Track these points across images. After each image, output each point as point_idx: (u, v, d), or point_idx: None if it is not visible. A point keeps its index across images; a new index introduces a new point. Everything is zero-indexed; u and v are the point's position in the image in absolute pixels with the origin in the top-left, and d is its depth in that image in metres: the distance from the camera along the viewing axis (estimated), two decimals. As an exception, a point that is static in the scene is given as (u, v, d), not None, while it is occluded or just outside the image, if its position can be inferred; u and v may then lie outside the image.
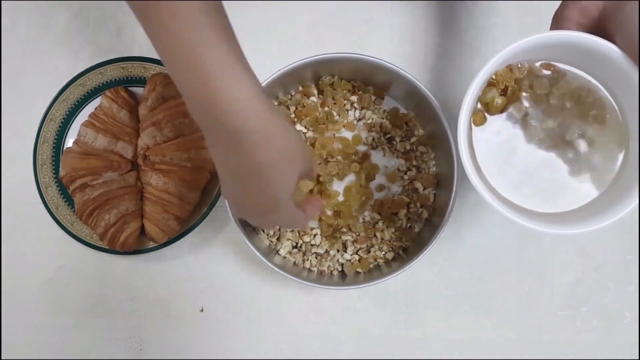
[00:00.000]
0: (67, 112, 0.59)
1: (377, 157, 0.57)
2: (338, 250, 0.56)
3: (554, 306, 0.58)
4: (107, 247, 0.56)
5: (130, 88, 0.59)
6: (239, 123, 0.33)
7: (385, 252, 0.55)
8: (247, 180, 0.37)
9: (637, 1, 0.33)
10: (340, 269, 0.56)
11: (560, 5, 0.38)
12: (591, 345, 0.58)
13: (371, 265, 0.55)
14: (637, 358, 0.57)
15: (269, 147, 0.35)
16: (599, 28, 0.36)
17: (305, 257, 0.56)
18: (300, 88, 0.57)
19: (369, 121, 0.57)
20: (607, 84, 0.38)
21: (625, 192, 0.37)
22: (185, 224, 0.57)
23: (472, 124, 0.41)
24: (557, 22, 0.38)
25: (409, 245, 0.55)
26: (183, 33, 0.32)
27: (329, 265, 0.55)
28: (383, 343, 0.58)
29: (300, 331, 0.58)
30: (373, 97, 0.57)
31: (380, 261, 0.55)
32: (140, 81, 0.59)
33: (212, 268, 0.59)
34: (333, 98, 0.57)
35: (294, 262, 0.56)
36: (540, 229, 0.37)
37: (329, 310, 0.58)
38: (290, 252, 0.56)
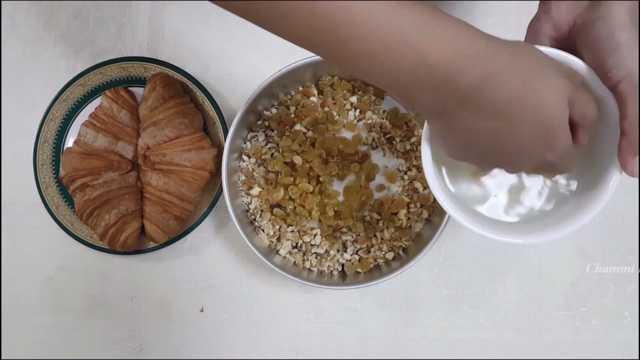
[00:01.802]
0: (67, 112, 0.59)
1: (377, 157, 0.57)
2: (338, 250, 0.56)
3: (554, 306, 0.58)
4: (107, 247, 0.56)
5: (130, 88, 0.59)
6: (479, 70, 0.29)
7: (385, 252, 0.55)
8: (515, 118, 0.31)
9: (606, 18, 0.34)
10: (340, 269, 0.56)
11: (534, 18, 0.39)
12: (591, 345, 0.58)
13: (371, 265, 0.55)
14: (637, 358, 0.57)
15: (518, 70, 0.30)
16: (570, 43, 0.36)
17: (305, 257, 0.56)
18: (300, 88, 0.57)
19: (369, 121, 0.57)
20: None
21: (584, 207, 0.38)
22: (185, 224, 0.57)
23: None
24: (531, 35, 0.38)
25: (409, 245, 0.55)
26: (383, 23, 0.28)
27: (329, 265, 0.55)
28: (383, 343, 0.58)
29: (300, 331, 0.58)
30: (373, 97, 0.57)
31: (380, 261, 0.55)
32: (140, 81, 0.59)
33: (212, 268, 0.59)
34: (333, 98, 0.57)
35: (294, 262, 0.56)
36: (497, 237, 0.38)
37: (329, 310, 0.58)
38: (290, 252, 0.56)
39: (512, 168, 0.36)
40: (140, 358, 0.58)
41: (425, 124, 0.36)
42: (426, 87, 0.30)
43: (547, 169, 0.37)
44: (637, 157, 0.35)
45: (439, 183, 0.39)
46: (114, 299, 0.59)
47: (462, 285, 0.58)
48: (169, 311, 0.59)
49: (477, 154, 0.34)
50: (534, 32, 0.38)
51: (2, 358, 0.59)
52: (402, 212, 0.55)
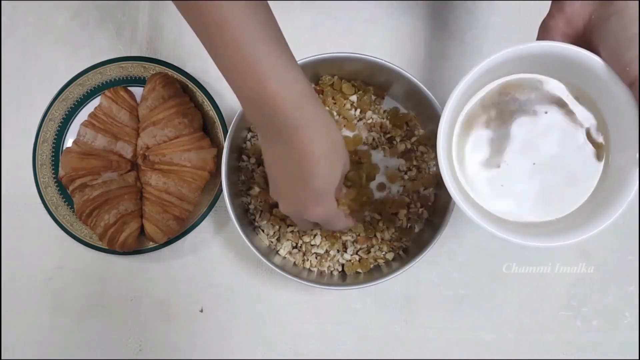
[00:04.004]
0: (67, 112, 0.59)
1: (377, 157, 0.57)
2: (338, 251, 0.56)
3: (555, 306, 0.58)
4: (106, 247, 0.56)
5: (129, 88, 0.59)
6: (295, 118, 0.37)
7: (386, 253, 0.55)
8: (296, 173, 0.39)
9: (621, 13, 0.33)
10: (340, 269, 0.56)
11: (547, 16, 0.39)
12: (592, 345, 0.58)
13: (371, 266, 0.55)
14: (638, 358, 0.57)
15: (321, 140, 0.38)
16: (585, 39, 0.36)
17: (305, 257, 0.56)
18: (300, 88, 0.57)
19: (369, 121, 0.57)
20: (591, 96, 0.38)
21: (605, 206, 0.37)
22: (185, 224, 0.57)
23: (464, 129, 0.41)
24: (544, 33, 0.38)
25: (409, 245, 0.55)
26: (235, 37, 0.35)
27: (329, 266, 0.55)
28: (383, 343, 0.58)
29: (300, 331, 0.58)
30: (373, 97, 0.57)
31: (381, 261, 0.55)
32: (140, 81, 0.59)
33: (212, 268, 0.59)
34: (333, 98, 0.57)
35: (294, 262, 0.55)
36: (517, 240, 0.37)
37: (329, 310, 0.58)
38: (290, 252, 0.56)
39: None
40: (140, 358, 0.58)
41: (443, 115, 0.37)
42: (255, 110, 0.38)
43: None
44: None
45: (452, 173, 0.38)
46: (113, 299, 0.59)
47: (462, 286, 0.58)
48: (169, 311, 0.59)
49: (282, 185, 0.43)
50: (547, 29, 0.38)
51: (2, 358, 0.59)
52: (403, 212, 0.55)
